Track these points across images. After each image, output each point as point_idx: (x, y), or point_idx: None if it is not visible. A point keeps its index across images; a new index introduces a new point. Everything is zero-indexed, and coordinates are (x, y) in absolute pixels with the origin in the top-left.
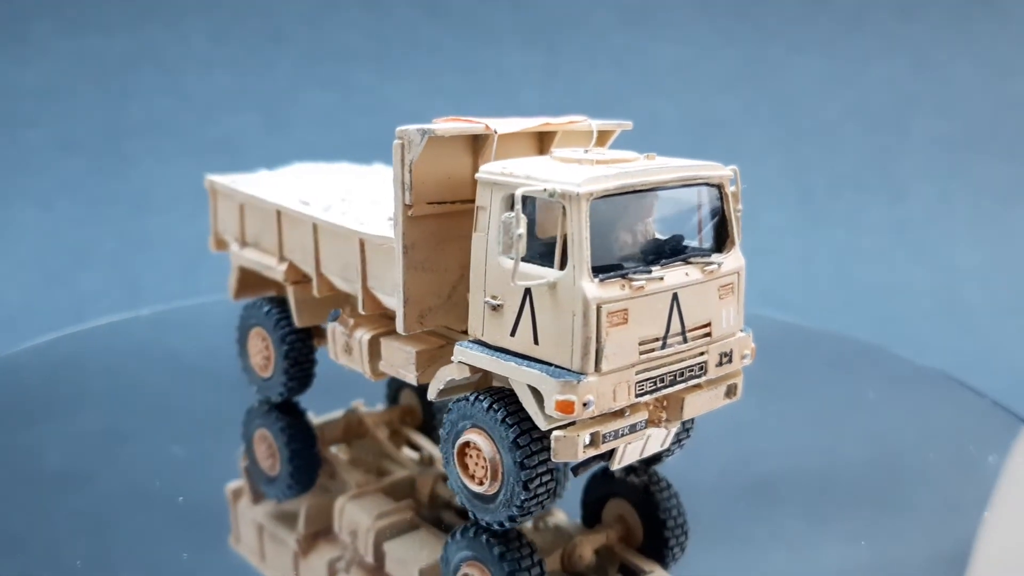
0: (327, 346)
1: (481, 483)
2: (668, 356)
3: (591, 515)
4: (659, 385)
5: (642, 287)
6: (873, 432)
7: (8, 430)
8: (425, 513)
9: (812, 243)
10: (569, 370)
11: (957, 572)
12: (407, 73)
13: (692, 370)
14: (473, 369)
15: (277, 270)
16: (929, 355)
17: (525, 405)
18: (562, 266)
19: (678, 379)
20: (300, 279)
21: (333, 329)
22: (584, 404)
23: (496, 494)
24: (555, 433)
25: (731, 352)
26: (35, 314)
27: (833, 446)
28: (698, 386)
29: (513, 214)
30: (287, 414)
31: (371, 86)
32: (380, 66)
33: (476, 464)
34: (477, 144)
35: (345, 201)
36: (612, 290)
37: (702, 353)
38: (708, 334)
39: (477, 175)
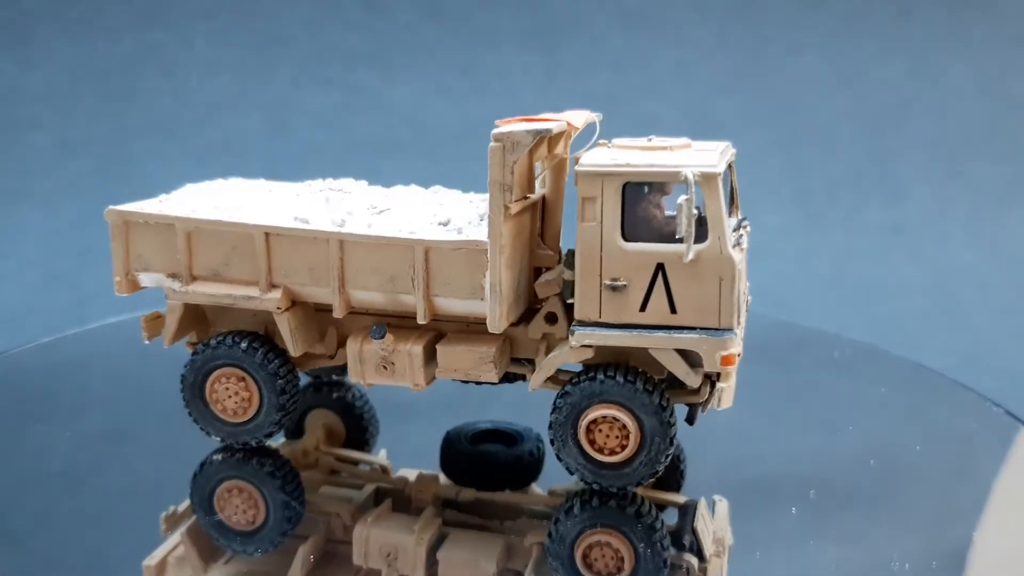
0: (349, 369)
1: (614, 453)
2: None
3: None
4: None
5: (744, 250)
6: (870, 432)
7: (11, 428)
8: (444, 516)
9: (809, 243)
10: (716, 329)
11: (954, 573)
12: (408, 75)
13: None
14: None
15: (265, 299)
16: (926, 355)
17: (673, 368)
18: (697, 240)
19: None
20: (292, 305)
21: (360, 349)
22: (738, 355)
23: (632, 459)
24: (721, 384)
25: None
26: (39, 314)
27: (830, 446)
28: None
29: (687, 197)
30: (263, 456)
31: (372, 88)
32: (381, 68)
33: (609, 436)
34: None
35: (349, 213)
36: (737, 255)
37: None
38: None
39: (581, 167)
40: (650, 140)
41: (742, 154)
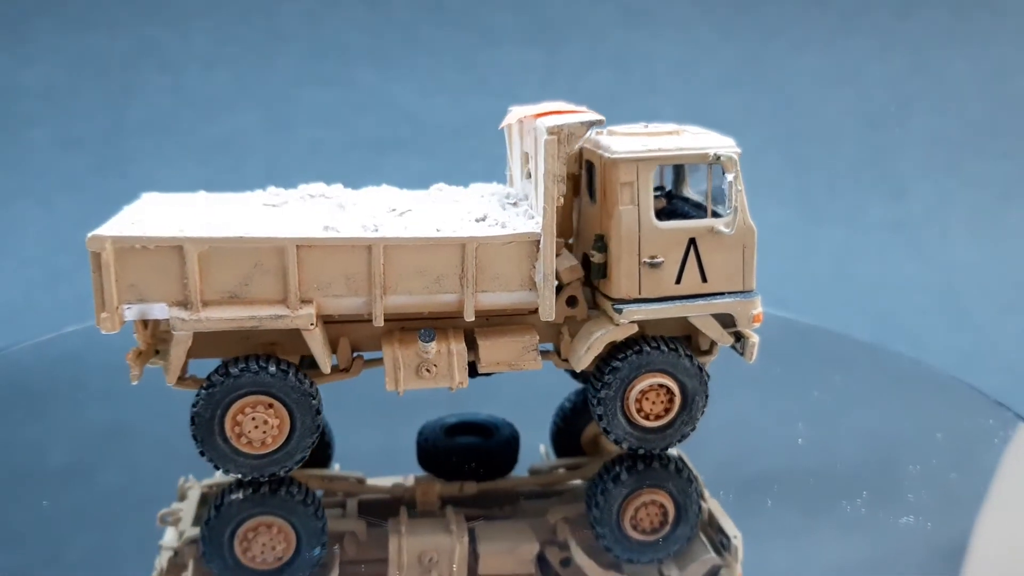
0: (387, 376)
1: (659, 417)
2: None
3: (569, 445)
4: None
5: None
6: (870, 428)
7: (10, 425)
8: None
9: (811, 240)
10: (743, 291)
11: (954, 567)
12: (408, 72)
13: None
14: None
15: (297, 316)
16: (927, 352)
17: (710, 332)
18: (714, 214)
19: None
20: (318, 320)
21: (397, 355)
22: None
23: (673, 421)
24: (752, 340)
25: None
26: (38, 311)
27: (831, 442)
28: None
29: (734, 174)
30: (290, 485)
31: (372, 84)
32: (381, 65)
33: (655, 403)
34: None
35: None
36: None
37: None
38: None
39: (616, 154)
40: (647, 126)
41: (743, 150)
